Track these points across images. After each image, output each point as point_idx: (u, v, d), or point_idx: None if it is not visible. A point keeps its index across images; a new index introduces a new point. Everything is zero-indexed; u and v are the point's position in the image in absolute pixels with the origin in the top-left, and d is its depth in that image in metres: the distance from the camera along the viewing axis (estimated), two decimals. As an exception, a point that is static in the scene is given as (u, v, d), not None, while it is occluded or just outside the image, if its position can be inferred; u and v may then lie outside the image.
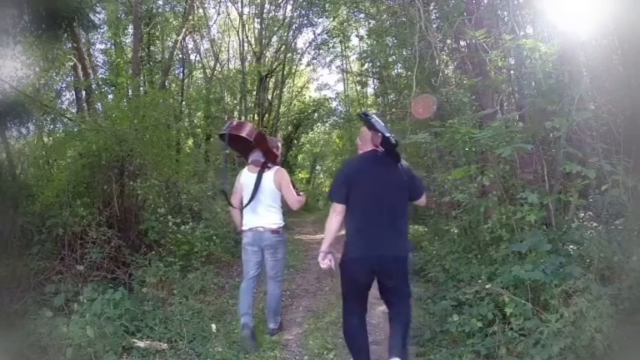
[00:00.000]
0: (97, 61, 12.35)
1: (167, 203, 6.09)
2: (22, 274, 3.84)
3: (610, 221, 3.36)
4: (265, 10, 16.44)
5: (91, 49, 11.37)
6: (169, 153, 7.05)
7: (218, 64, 16.30)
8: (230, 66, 17.29)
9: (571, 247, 3.16)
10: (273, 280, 3.71)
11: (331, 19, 16.39)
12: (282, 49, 17.41)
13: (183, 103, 14.28)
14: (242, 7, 15.91)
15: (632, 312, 2.58)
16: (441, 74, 5.52)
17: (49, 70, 7.92)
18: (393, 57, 10.78)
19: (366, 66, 15.34)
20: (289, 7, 16.49)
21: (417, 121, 5.91)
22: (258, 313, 3.80)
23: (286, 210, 3.85)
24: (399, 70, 11.61)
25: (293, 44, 17.82)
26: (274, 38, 17.44)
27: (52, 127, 7.06)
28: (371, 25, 12.66)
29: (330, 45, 17.89)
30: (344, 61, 19.56)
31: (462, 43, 6.12)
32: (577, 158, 3.36)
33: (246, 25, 16.16)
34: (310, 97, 22.32)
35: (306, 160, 27.93)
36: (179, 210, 6.36)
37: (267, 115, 17.23)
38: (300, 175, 25.46)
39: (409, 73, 7.91)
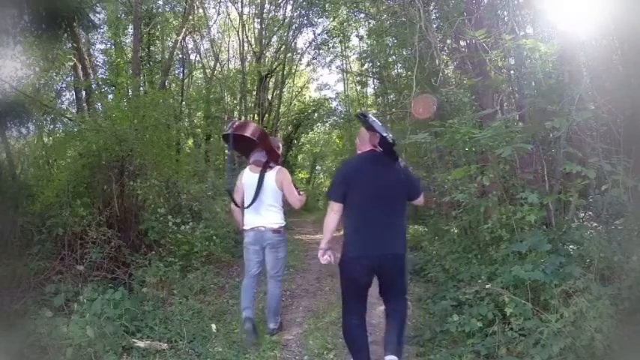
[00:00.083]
0: (97, 61, 12.37)
1: (167, 203, 6.09)
2: (22, 274, 3.84)
3: (610, 221, 3.36)
4: (265, 10, 16.45)
5: (91, 49, 11.37)
6: (169, 153, 7.06)
7: (218, 64, 16.31)
8: (230, 66, 17.31)
9: (571, 247, 3.16)
10: (273, 280, 3.72)
11: (331, 19, 16.40)
12: (282, 49, 17.42)
13: (183, 103, 14.28)
14: (242, 7, 15.93)
15: (632, 312, 2.58)
16: (441, 74, 5.52)
17: (49, 70, 7.92)
18: (393, 57, 10.77)
19: (366, 66, 15.33)
20: (289, 7, 16.53)
21: (417, 121, 5.92)
22: (258, 313, 3.80)
23: (287, 210, 3.86)
24: (399, 70, 11.61)
25: (293, 44, 17.87)
26: (274, 38, 17.46)
27: (52, 127, 7.07)
28: (371, 25, 12.66)
29: (330, 45, 17.90)
30: (344, 61, 19.57)
31: (462, 43, 6.12)
32: (577, 158, 3.36)
33: (246, 25, 16.17)
34: (310, 97, 22.34)
35: (306, 160, 27.95)
36: (179, 210, 6.36)
37: (267, 115, 17.25)
38: (300, 175, 25.46)
39: (409, 73, 7.90)
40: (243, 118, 15.35)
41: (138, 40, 10.11)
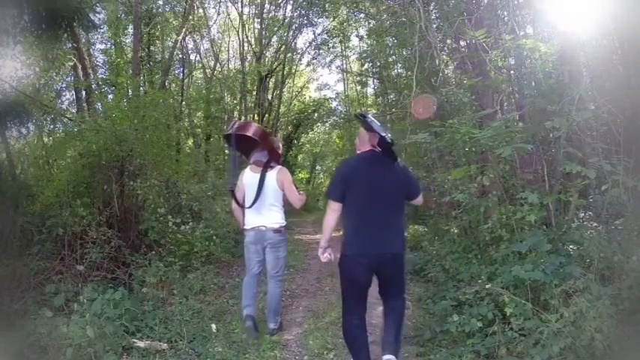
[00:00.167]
0: (97, 61, 12.37)
1: (167, 203, 6.09)
2: (22, 274, 3.84)
3: (610, 221, 3.36)
4: (265, 10, 16.44)
5: (91, 49, 11.37)
6: (169, 153, 7.06)
7: (218, 64, 16.31)
8: (230, 66, 17.30)
9: (571, 247, 3.16)
10: (273, 280, 3.72)
11: (331, 19, 16.40)
12: (282, 49, 17.41)
13: (183, 103, 14.28)
14: (242, 7, 15.93)
15: (632, 312, 2.58)
16: (441, 74, 5.52)
17: (49, 70, 7.92)
18: (393, 57, 10.78)
19: (366, 66, 15.34)
20: (289, 7, 16.52)
21: (417, 121, 5.92)
22: (258, 314, 3.80)
23: (287, 210, 3.86)
24: (399, 70, 11.61)
25: (293, 44, 17.85)
26: (274, 38, 17.46)
27: (52, 127, 7.07)
28: (371, 25, 12.65)
29: (330, 45, 17.89)
30: (344, 61, 19.56)
31: (462, 43, 6.11)
32: (577, 158, 3.36)
33: (246, 25, 16.16)
34: (310, 97, 22.33)
35: (306, 160, 27.95)
36: (179, 210, 6.36)
37: (267, 115, 17.24)
38: (300, 175, 25.47)
39: (409, 73, 7.90)
40: (243, 118, 15.34)
41: (138, 40, 10.11)
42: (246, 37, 16.13)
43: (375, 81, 15.88)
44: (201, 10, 14.72)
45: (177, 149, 9.68)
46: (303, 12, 16.30)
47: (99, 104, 8.28)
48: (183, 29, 12.55)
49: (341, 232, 2.89)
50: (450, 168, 5.67)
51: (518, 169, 3.97)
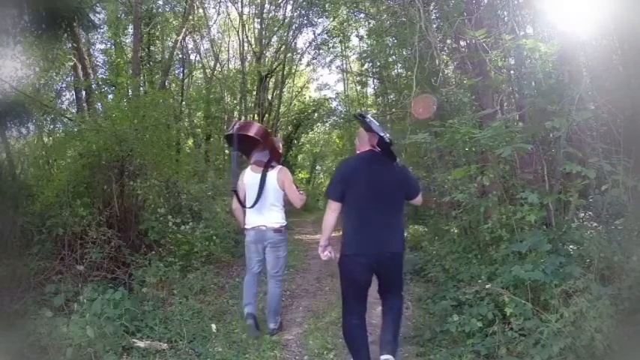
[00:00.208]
0: (97, 61, 12.37)
1: (167, 203, 6.09)
2: (22, 274, 3.84)
3: (610, 221, 3.36)
4: (265, 10, 16.45)
5: (91, 49, 11.37)
6: (169, 153, 7.06)
7: (218, 64, 16.31)
8: (230, 66, 17.31)
9: (571, 247, 3.16)
10: (273, 279, 3.73)
11: (331, 19, 16.40)
12: (282, 49, 17.42)
13: (183, 103, 14.28)
14: (242, 7, 15.93)
15: (632, 312, 2.58)
16: (441, 74, 5.51)
17: (49, 70, 7.92)
18: (393, 57, 10.78)
19: (366, 66, 15.34)
20: (289, 7, 16.53)
21: (417, 121, 5.92)
22: (258, 313, 3.80)
23: (287, 209, 3.87)
24: (399, 70, 11.61)
25: (293, 44, 17.86)
26: (274, 38, 17.46)
27: (52, 127, 7.07)
28: (371, 25, 12.65)
29: (330, 45, 17.91)
30: (344, 61, 19.57)
31: (462, 43, 6.11)
32: (577, 158, 3.36)
33: (246, 25, 16.16)
34: (310, 97, 22.35)
35: (306, 160, 27.95)
36: (179, 210, 6.36)
37: (267, 115, 17.24)
38: (300, 175, 25.47)
39: (409, 73, 7.90)
40: (243, 118, 15.35)
41: (138, 40, 10.11)
42: (246, 37, 16.13)
43: (375, 81, 15.88)
44: (201, 10, 14.72)
45: (177, 149, 9.68)
46: (303, 12, 16.32)
47: (99, 104, 8.28)
48: (183, 29, 12.55)
49: (340, 232, 2.90)
50: (450, 168, 5.67)
51: (518, 169, 3.97)
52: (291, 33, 16.83)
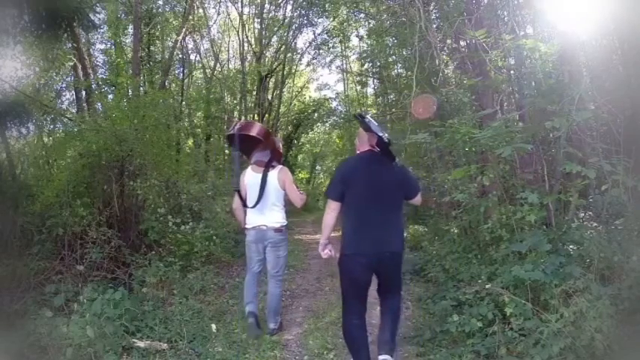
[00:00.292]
0: (97, 61, 12.38)
1: (167, 203, 6.09)
2: (22, 274, 3.84)
3: (610, 221, 3.35)
4: (265, 10, 16.45)
5: (91, 49, 11.38)
6: (169, 153, 7.06)
7: (218, 64, 16.31)
8: (230, 66, 17.32)
9: (571, 247, 3.16)
10: (274, 279, 3.74)
11: (331, 19, 16.40)
12: (282, 49, 17.42)
13: (183, 103, 14.28)
14: (242, 7, 15.94)
15: (632, 312, 2.57)
16: (441, 74, 5.51)
17: (49, 70, 7.92)
18: (393, 57, 10.78)
19: (366, 66, 15.34)
20: (289, 7, 16.54)
21: (417, 121, 5.92)
22: (258, 313, 3.81)
23: (288, 209, 3.88)
24: (399, 70, 11.61)
25: (293, 44, 17.87)
26: (274, 38, 17.47)
27: (52, 127, 7.08)
28: (371, 25, 12.66)
29: (330, 45, 17.92)
30: (344, 61, 19.58)
31: (462, 43, 6.11)
32: (577, 158, 3.36)
33: (246, 25, 16.16)
34: (310, 97, 22.35)
35: (306, 160, 27.95)
36: (179, 210, 6.36)
37: (267, 115, 17.25)
38: (300, 175, 25.47)
39: (409, 73, 7.90)
40: (243, 118, 15.34)
41: (138, 40, 10.11)
42: (246, 37, 16.14)
43: (375, 81, 15.88)
44: (201, 10, 14.73)
45: (177, 149, 9.68)
46: (303, 12, 16.32)
47: (99, 104, 8.27)
48: (183, 29, 12.55)
49: (340, 232, 2.90)
50: (450, 168, 5.67)
51: (518, 169, 3.97)
52: (291, 33, 16.85)
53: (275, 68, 17.43)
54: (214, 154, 14.16)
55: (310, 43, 18.28)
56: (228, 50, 17.21)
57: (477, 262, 4.13)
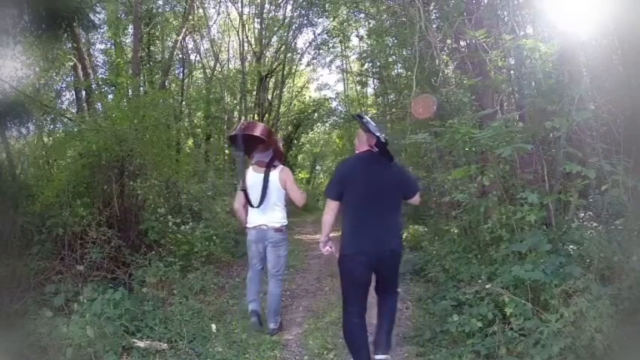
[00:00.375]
0: (97, 61, 12.36)
1: (167, 203, 6.09)
2: (22, 274, 3.84)
3: (610, 221, 3.35)
4: (265, 10, 16.45)
5: (91, 49, 11.36)
6: (169, 153, 7.06)
7: (218, 64, 16.30)
8: (230, 66, 17.31)
9: (571, 247, 3.16)
10: (274, 279, 3.75)
11: (331, 19, 16.40)
12: (282, 49, 17.42)
13: (183, 103, 14.28)
14: (242, 7, 15.93)
15: (632, 312, 2.57)
16: (441, 74, 5.52)
17: (49, 70, 7.92)
18: (393, 57, 10.79)
19: (366, 66, 15.35)
20: (289, 7, 16.53)
21: (417, 121, 5.92)
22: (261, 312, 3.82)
23: (289, 209, 3.88)
24: (399, 70, 11.62)
25: (293, 44, 17.87)
26: (274, 38, 17.46)
27: (52, 127, 7.08)
28: (371, 25, 12.66)
29: (330, 45, 17.93)
30: (344, 61, 19.59)
31: (462, 43, 6.11)
32: (577, 158, 3.36)
33: (246, 25, 16.16)
34: (310, 97, 22.34)
35: (306, 160, 27.95)
36: (179, 210, 6.36)
37: (267, 115, 17.24)
38: (300, 175, 25.46)
39: (409, 73, 7.90)
40: (243, 118, 15.35)
41: (138, 40, 10.10)
42: (246, 37, 16.13)
43: (375, 81, 15.88)
44: (201, 10, 14.72)
45: (177, 149, 9.69)
46: (303, 12, 16.32)
47: (99, 104, 8.27)
48: (183, 29, 12.55)
49: (340, 232, 2.91)
50: (450, 168, 5.66)
51: (518, 169, 3.97)
52: (291, 33, 16.84)
53: (275, 68, 17.43)
54: (214, 154, 14.16)
55: (310, 43, 18.30)
56: (228, 50, 17.23)
57: (476, 262, 4.13)
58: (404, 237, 6.30)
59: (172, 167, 6.53)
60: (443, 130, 4.26)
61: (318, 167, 28.31)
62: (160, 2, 13.18)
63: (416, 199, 3.10)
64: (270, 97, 17.80)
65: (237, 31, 16.13)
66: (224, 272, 5.92)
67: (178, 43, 12.86)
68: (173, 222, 5.59)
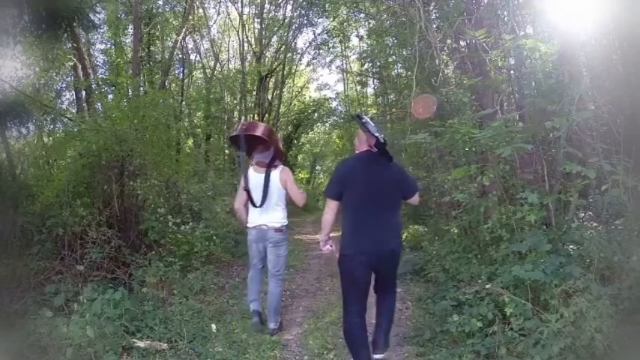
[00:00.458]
0: (97, 61, 12.36)
1: (167, 203, 6.09)
2: (22, 274, 3.84)
3: (610, 221, 3.35)
4: (265, 10, 16.45)
5: (91, 49, 11.36)
6: (169, 153, 7.06)
7: (218, 64, 16.30)
8: (230, 66, 17.31)
9: (571, 247, 3.16)
10: (274, 278, 3.77)
11: (331, 19, 16.40)
12: (282, 49, 17.42)
13: (183, 103, 14.28)
14: (242, 7, 15.93)
15: (632, 312, 2.57)
16: (441, 74, 5.52)
17: (49, 70, 7.92)
18: (393, 57, 10.78)
19: (366, 66, 15.35)
20: (289, 7, 16.53)
21: (417, 121, 5.92)
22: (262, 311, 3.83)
23: (289, 209, 3.89)
24: (399, 70, 11.61)
25: (293, 44, 17.87)
26: (274, 38, 17.47)
27: (52, 127, 7.07)
28: (371, 25, 12.66)
29: (330, 45, 17.93)
30: (344, 61, 19.58)
31: (462, 43, 6.11)
32: (577, 158, 3.36)
33: (246, 25, 16.16)
34: (310, 97, 22.34)
35: (306, 160, 27.95)
36: (179, 210, 6.36)
37: (267, 115, 17.25)
38: (300, 175, 25.47)
39: (409, 73, 7.90)
40: (243, 118, 15.35)
41: (138, 40, 10.10)
42: (246, 37, 16.13)
43: (375, 81, 15.88)
44: (201, 10, 14.72)
45: (177, 149, 9.69)
46: (303, 12, 16.32)
47: (99, 104, 8.27)
48: (183, 29, 12.55)
49: (340, 232, 2.92)
50: (450, 168, 5.66)
51: (518, 169, 3.97)
52: (291, 33, 16.85)
53: (275, 68, 17.43)
54: (214, 154, 14.16)
55: (310, 43, 18.31)
56: (228, 50, 17.23)
57: (477, 262, 4.13)
58: (404, 237, 6.31)
59: (172, 167, 6.53)
60: (443, 130, 4.26)
61: (318, 167, 28.33)
62: (160, 2, 13.20)
63: (415, 199, 3.12)
64: (270, 97, 17.81)
65: (237, 31, 16.13)
66: (224, 272, 5.92)
67: (178, 43, 12.86)
68: (173, 222, 5.59)
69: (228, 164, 13.65)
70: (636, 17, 3.28)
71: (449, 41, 6.68)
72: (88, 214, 4.65)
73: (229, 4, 16.07)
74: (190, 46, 15.38)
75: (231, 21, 16.85)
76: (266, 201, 3.68)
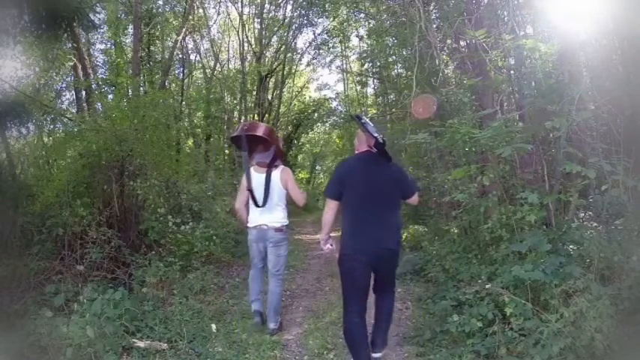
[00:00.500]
0: (97, 61, 12.36)
1: (167, 203, 6.09)
2: (22, 274, 3.84)
3: (610, 221, 3.36)
4: (265, 10, 16.45)
5: (91, 49, 11.37)
6: (169, 153, 7.06)
7: (218, 64, 16.30)
8: (230, 66, 17.30)
9: (571, 247, 3.16)
10: (274, 278, 3.77)
11: (331, 19, 16.40)
12: (282, 49, 17.42)
13: (183, 103, 14.28)
14: (242, 7, 15.92)
15: (632, 312, 2.57)
16: (441, 74, 5.52)
17: (49, 70, 7.92)
18: (393, 57, 10.79)
19: (366, 66, 15.34)
20: (289, 7, 16.54)
21: (417, 121, 5.92)
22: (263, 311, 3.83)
23: (290, 209, 3.89)
24: (399, 70, 11.61)
25: (293, 44, 17.87)
26: (274, 38, 17.47)
27: (52, 127, 7.08)
28: (371, 25, 12.66)
29: (330, 45, 17.93)
30: (344, 61, 19.58)
31: (462, 43, 6.11)
32: (577, 158, 3.36)
33: (246, 25, 16.16)
34: (310, 97, 22.34)
35: (306, 160, 27.96)
36: (179, 210, 6.36)
37: (267, 115, 17.25)
38: (300, 175, 25.47)
39: (409, 73, 7.90)
40: (243, 118, 15.35)
41: (138, 40, 10.10)
42: (246, 37, 16.13)
43: (375, 81, 15.87)
44: (201, 10, 14.71)
45: (177, 149, 9.69)
46: (303, 12, 16.32)
47: (99, 104, 8.26)
48: (183, 29, 12.55)
49: (340, 232, 2.92)
50: (450, 168, 5.66)
51: (518, 169, 3.97)
52: (291, 33, 16.85)
53: (275, 68, 17.43)
54: (214, 154, 14.16)
55: (310, 43, 18.31)
56: (228, 50, 17.22)
57: (477, 262, 4.13)
58: (404, 237, 6.31)
59: (172, 167, 6.53)
60: (443, 130, 4.27)
61: (318, 167, 28.34)
62: (160, 2, 13.20)
63: (414, 199, 3.13)
64: (270, 97, 17.81)
65: (237, 31, 16.13)
66: (224, 272, 5.92)
67: (178, 43, 12.86)
68: (173, 222, 5.59)
69: (228, 164, 13.65)
70: (636, 17, 3.28)
71: (449, 41, 6.68)
72: (88, 214, 4.65)
73: (229, 4, 16.09)
74: (190, 46, 15.41)
75: (231, 21, 16.85)
76: (267, 201, 3.70)
